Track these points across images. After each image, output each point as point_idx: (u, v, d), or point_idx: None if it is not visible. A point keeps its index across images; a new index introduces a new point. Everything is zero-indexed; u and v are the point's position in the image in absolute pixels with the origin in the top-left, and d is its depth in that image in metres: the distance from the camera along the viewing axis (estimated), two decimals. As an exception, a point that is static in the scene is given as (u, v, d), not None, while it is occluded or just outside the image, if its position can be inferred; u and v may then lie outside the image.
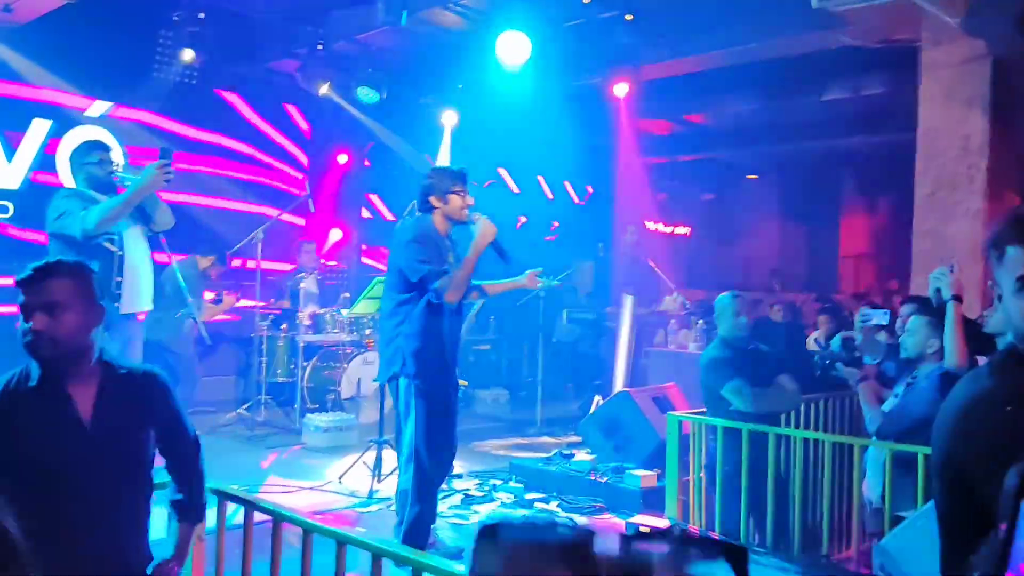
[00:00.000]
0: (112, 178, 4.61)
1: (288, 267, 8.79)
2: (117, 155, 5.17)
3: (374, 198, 10.33)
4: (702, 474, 4.84)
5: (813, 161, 12.98)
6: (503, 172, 11.27)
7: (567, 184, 12.29)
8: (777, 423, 4.66)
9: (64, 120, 7.74)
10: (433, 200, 4.24)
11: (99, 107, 7.99)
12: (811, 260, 14.15)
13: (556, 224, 11.94)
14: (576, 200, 12.41)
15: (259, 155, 9.24)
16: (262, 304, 7.83)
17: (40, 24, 7.16)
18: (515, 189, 11.49)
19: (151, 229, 4.72)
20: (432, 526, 4.34)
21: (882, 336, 4.54)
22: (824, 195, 13.80)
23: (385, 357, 4.30)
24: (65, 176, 7.36)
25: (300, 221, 9.36)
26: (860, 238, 13.87)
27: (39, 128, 7.63)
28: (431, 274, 4.07)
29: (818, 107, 9.96)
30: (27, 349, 2.11)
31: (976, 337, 3.67)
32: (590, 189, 12.51)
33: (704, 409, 4.90)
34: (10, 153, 7.49)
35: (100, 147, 4.86)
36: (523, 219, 11.46)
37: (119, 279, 4.39)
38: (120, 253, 4.47)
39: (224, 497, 2.83)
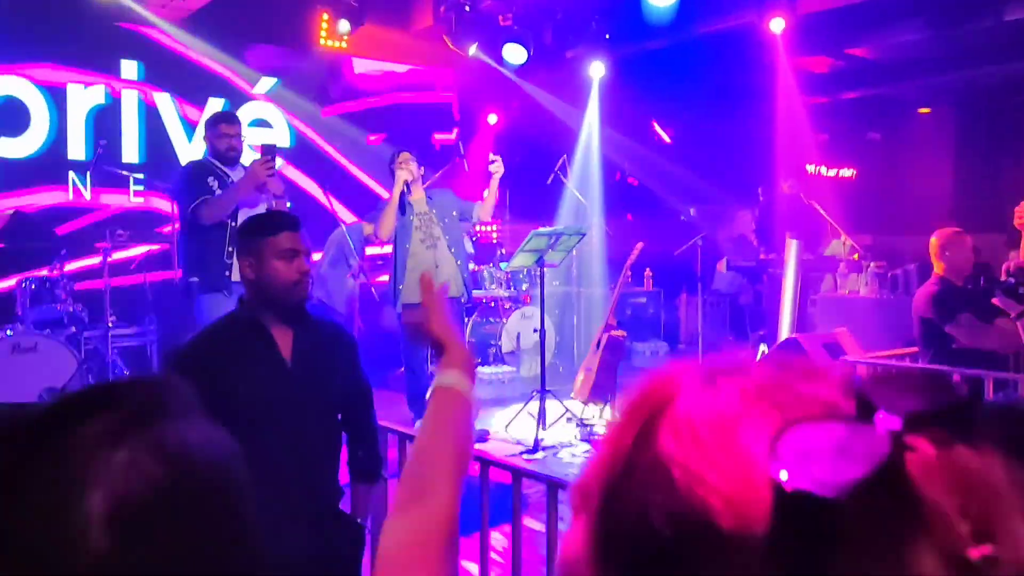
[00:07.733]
0: (229, 152, 4.85)
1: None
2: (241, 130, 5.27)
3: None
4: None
5: (993, 90, 11.97)
6: (654, 123, 11.05)
7: (722, 129, 11.89)
8: (993, 365, 4.36)
9: (236, 97, 8.21)
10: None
11: (266, 83, 8.41)
12: (992, 199, 13.06)
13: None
14: (734, 145, 11.99)
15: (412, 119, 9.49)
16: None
17: (211, 6, 7.61)
18: (667, 140, 11.24)
19: (272, 195, 4.89)
20: None
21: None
22: (1007, 127, 12.69)
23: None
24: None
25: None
26: (1050, 172, 12.70)
27: (214, 106, 8.12)
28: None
29: (998, 29, 9.12)
30: (296, 291, 2.31)
31: None
32: (747, 133, 12.05)
33: (881, 352, 4.66)
34: (190, 132, 8.03)
35: (225, 120, 5.04)
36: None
37: (231, 249, 4.59)
38: (234, 224, 4.66)
39: (403, 438, 2.98)
